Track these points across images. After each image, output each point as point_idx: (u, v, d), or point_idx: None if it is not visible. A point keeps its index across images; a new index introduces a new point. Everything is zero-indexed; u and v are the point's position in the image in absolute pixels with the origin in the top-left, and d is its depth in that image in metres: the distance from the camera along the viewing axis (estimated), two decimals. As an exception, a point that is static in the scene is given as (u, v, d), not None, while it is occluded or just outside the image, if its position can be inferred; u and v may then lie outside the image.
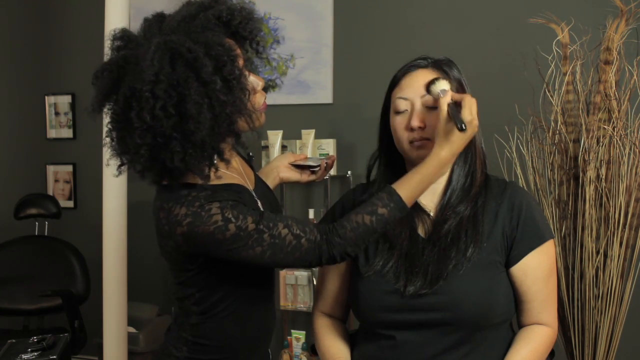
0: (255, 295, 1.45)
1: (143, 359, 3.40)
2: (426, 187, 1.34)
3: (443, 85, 1.35)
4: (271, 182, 1.63)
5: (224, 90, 1.25)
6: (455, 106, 1.31)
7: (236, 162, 1.49)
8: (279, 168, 1.66)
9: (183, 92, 1.22)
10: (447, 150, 1.31)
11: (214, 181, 1.34)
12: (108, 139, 1.35)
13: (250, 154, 1.67)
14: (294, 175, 1.66)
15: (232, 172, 1.43)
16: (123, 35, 1.34)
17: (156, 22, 1.35)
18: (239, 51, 1.32)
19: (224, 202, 1.30)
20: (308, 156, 1.59)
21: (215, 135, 1.27)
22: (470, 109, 1.30)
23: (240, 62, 1.31)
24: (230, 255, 1.31)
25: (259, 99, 1.40)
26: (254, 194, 1.45)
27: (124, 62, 1.28)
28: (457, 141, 1.30)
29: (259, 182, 1.54)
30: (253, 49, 1.41)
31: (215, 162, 1.32)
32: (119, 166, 1.40)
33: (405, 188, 1.33)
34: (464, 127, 1.28)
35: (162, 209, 1.33)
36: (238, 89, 1.27)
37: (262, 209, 1.43)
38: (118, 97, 1.27)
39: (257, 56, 1.44)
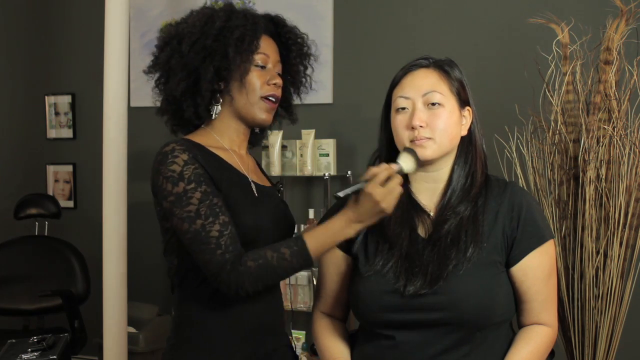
0: None
1: (143, 359, 3.40)
2: (332, 242, 1.36)
3: (401, 163, 1.37)
4: None
5: (223, 18, 1.42)
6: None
7: (250, 159, 1.54)
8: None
9: (204, 26, 1.43)
10: (354, 213, 1.33)
11: (208, 145, 1.42)
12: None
13: (282, 184, 1.70)
14: None
15: (232, 151, 1.48)
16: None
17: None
18: (269, 42, 1.47)
19: (191, 160, 1.35)
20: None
21: (200, 53, 1.40)
22: (382, 194, 1.31)
23: (265, 46, 1.45)
24: (167, 215, 1.35)
25: (266, 89, 1.45)
26: (251, 182, 1.47)
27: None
28: (362, 209, 1.33)
29: (273, 191, 1.56)
30: (293, 62, 1.54)
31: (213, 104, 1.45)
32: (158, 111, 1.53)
33: (312, 237, 1.35)
34: (338, 195, 1.31)
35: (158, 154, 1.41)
36: (237, 28, 1.40)
37: (256, 194, 1.46)
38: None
39: (295, 78, 1.57)
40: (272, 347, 1.49)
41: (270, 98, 1.46)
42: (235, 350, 1.42)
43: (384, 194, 1.31)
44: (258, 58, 1.44)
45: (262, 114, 1.46)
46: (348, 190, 1.33)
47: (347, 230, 1.35)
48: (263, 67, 1.45)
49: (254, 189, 1.47)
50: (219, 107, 1.46)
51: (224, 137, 1.48)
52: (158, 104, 1.52)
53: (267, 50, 1.46)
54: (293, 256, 1.33)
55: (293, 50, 1.53)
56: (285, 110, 1.62)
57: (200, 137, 1.45)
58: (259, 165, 1.64)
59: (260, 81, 1.44)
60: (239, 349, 1.42)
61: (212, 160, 1.40)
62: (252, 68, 1.44)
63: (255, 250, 1.34)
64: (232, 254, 1.32)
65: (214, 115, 1.46)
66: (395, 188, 1.33)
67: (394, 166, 1.35)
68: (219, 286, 1.33)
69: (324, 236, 1.35)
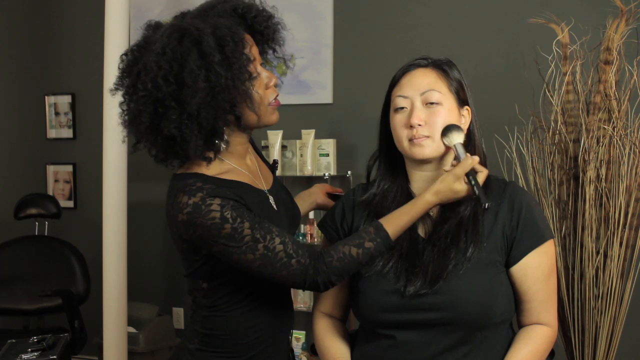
0: (267, 294, 1.45)
1: (143, 359, 3.40)
2: (411, 224, 1.38)
3: (459, 138, 1.37)
4: (307, 206, 1.72)
5: (223, 65, 1.30)
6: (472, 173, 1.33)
7: (252, 161, 1.51)
8: (317, 194, 1.75)
9: (183, 63, 1.29)
10: (437, 198, 1.35)
11: (220, 174, 1.38)
12: (120, 110, 1.41)
13: (276, 160, 1.71)
14: (329, 203, 1.73)
15: (241, 167, 1.45)
16: (153, 24, 1.42)
17: (181, 15, 1.43)
18: (249, 40, 1.38)
19: (224, 200, 1.32)
20: (343, 191, 1.73)
21: (211, 109, 1.31)
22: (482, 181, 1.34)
23: (249, 48, 1.36)
24: (223, 255, 1.34)
25: (270, 95, 1.42)
26: (268, 194, 1.47)
27: (144, 44, 1.36)
28: (455, 195, 1.35)
29: (277, 186, 1.56)
30: (269, 46, 1.47)
31: (218, 145, 1.37)
32: (134, 144, 1.43)
33: (392, 225, 1.36)
34: (487, 207, 1.31)
35: (169, 195, 1.38)
36: (239, 68, 1.31)
37: (275, 207, 1.46)
38: (132, 71, 1.35)
39: (274, 55, 1.49)
40: (285, 349, 1.54)
41: (275, 99, 1.44)
42: (263, 353, 1.46)
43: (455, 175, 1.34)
44: (252, 69, 1.36)
45: (273, 117, 1.45)
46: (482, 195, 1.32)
47: (423, 212, 1.37)
48: (257, 76, 1.39)
49: (273, 203, 1.48)
50: (225, 136, 1.40)
51: (230, 156, 1.43)
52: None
53: (254, 55, 1.39)
54: (377, 247, 1.35)
55: (268, 36, 1.46)
56: None
57: (208, 168, 1.38)
58: (257, 149, 1.60)
59: (262, 90, 1.40)
60: (266, 351, 1.47)
61: (234, 188, 1.38)
62: (252, 86, 1.37)
63: (336, 248, 1.36)
64: (306, 258, 1.34)
65: (221, 149, 1.40)
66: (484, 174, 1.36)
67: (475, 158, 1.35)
68: (306, 289, 1.37)
69: (404, 221, 1.37)
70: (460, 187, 1.33)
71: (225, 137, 1.40)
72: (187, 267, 1.44)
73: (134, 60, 1.36)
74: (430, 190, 1.35)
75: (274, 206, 1.48)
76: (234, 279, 1.41)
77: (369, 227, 1.37)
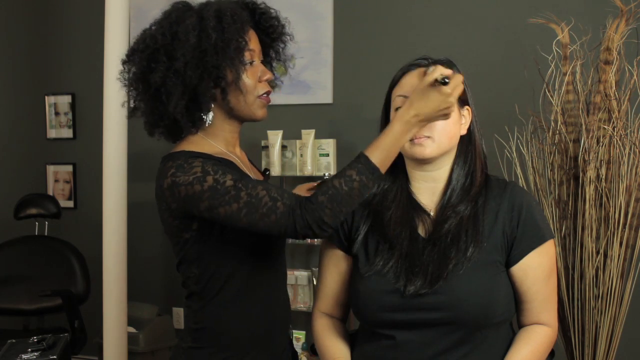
0: (259, 280, 1.44)
1: (143, 359, 3.40)
2: (396, 149, 1.32)
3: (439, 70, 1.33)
4: None
5: (217, 30, 1.36)
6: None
7: (243, 154, 1.54)
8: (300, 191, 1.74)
9: (180, 23, 1.38)
10: (412, 111, 1.30)
11: (208, 150, 1.41)
12: (122, 69, 1.47)
13: (268, 169, 1.69)
14: None
15: (232, 154, 1.46)
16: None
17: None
18: (252, 34, 1.43)
19: (206, 159, 1.35)
20: None
21: (197, 69, 1.35)
22: (455, 85, 1.30)
23: (248, 35, 1.40)
24: (210, 213, 1.33)
25: (261, 88, 1.43)
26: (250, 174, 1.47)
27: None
28: (430, 103, 1.29)
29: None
30: (272, 47, 1.50)
31: (200, 118, 1.42)
32: (132, 109, 1.49)
33: (373, 149, 1.31)
34: (447, 81, 1.27)
35: (158, 170, 1.41)
36: (230, 41, 1.36)
37: None
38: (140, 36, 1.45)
39: (276, 57, 1.52)
40: (283, 347, 1.53)
41: (265, 95, 1.45)
42: (257, 350, 1.45)
43: (454, 85, 1.29)
44: (247, 55, 1.41)
45: (260, 111, 1.45)
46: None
47: (407, 134, 1.32)
48: (252, 63, 1.43)
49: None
50: (211, 113, 1.44)
51: (219, 140, 1.46)
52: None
53: (252, 45, 1.43)
54: (361, 174, 1.29)
55: (272, 36, 1.50)
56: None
57: (196, 146, 1.42)
58: (258, 169, 1.64)
59: (254, 80, 1.43)
60: (261, 348, 1.45)
61: (222, 163, 1.39)
62: (244, 67, 1.41)
63: (320, 187, 1.32)
64: (292, 198, 1.31)
65: (207, 123, 1.44)
66: (460, 84, 1.31)
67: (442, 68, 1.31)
68: (300, 234, 1.31)
69: (385, 144, 1.31)
70: (432, 93, 1.29)
71: (211, 115, 1.43)
72: (178, 252, 1.43)
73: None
74: (404, 105, 1.32)
75: None
76: (225, 262, 1.40)
77: (353, 160, 1.32)
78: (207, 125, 1.44)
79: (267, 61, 1.51)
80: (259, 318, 1.45)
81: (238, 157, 1.49)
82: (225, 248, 1.40)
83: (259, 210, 1.30)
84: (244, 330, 1.43)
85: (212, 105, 1.42)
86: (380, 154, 1.31)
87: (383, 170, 1.31)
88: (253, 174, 1.52)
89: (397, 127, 1.31)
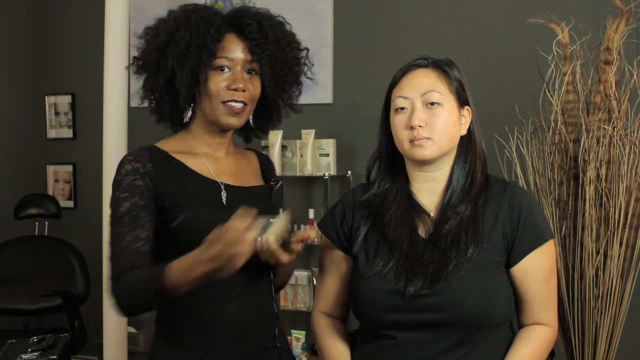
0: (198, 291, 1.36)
1: (143, 359, 3.40)
2: (192, 272, 1.26)
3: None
4: None
5: (193, 31, 1.41)
6: None
7: (228, 160, 1.50)
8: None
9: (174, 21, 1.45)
10: (204, 252, 1.24)
11: (175, 152, 1.44)
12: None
13: (276, 181, 1.63)
14: None
15: (206, 156, 1.47)
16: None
17: None
18: (232, 38, 1.44)
19: (132, 173, 1.39)
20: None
21: (181, 68, 1.40)
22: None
23: (223, 40, 1.42)
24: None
25: (225, 94, 1.42)
26: (224, 188, 1.44)
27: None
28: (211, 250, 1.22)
29: (252, 192, 1.51)
30: (252, 45, 1.46)
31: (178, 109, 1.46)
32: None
33: (177, 262, 1.28)
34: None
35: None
36: (202, 46, 1.40)
37: (225, 202, 1.43)
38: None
39: (255, 59, 1.46)
40: (256, 348, 1.45)
41: (232, 103, 1.42)
42: (209, 350, 1.41)
43: (235, 238, 1.20)
44: (218, 62, 1.41)
45: (224, 118, 1.43)
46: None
47: (198, 267, 1.25)
48: (223, 69, 1.42)
49: (223, 195, 1.44)
50: (189, 112, 1.47)
51: (200, 141, 1.47)
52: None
53: (229, 52, 1.42)
54: (152, 279, 1.30)
55: (257, 48, 1.45)
56: (265, 111, 1.57)
57: (174, 142, 1.47)
58: (262, 163, 1.60)
59: (220, 86, 1.41)
60: (214, 350, 1.41)
61: (172, 169, 1.41)
62: (211, 73, 1.41)
63: (134, 271, 1.34)
64: (124, 267, 1.34)
65: (185, 119, 1.47)
66: (249, 240, 1.22)
67: (262, 221, 1.25)
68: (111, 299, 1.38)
69: (184, 266, 1.27)
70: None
71: (190, 114, 1.46)
72: None
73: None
74: (198, 258, 1.25)
75: (224, 200, 1.44)
76: (170, 246, 1.38)
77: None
78: (186, 122, 1.48)
79: (264, 72, 1.47)
80: (214, 319, 1.41)
81: (216, 161, 1.47)
82: (165, 250, 1.38)
83: (111, 249, 1.38)
84: (195, 330, 1.43)
85: (192, 105, 1.46)
86: (178, 270, 1.28)
87: (172, 284, 1.28)
88: (239, 180, 1.48)
89: (195, 256, 1.26)
